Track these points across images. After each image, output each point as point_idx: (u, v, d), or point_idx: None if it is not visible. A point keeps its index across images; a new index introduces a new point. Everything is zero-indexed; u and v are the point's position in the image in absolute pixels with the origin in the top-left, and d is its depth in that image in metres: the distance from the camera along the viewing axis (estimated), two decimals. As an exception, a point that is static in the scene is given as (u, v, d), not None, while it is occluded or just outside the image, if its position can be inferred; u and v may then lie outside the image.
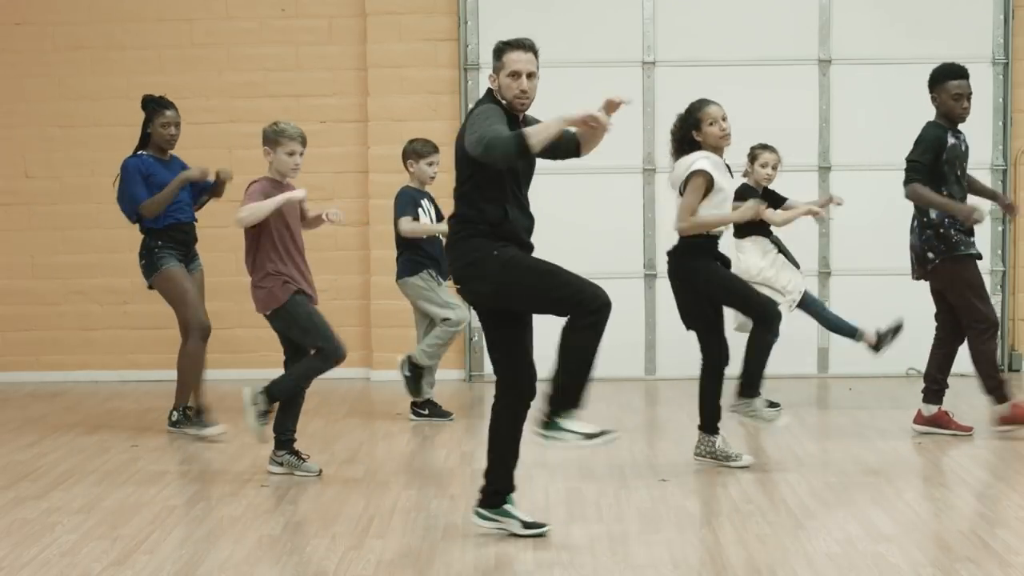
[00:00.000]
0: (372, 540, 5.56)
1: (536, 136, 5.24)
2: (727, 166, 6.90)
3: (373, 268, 10.09)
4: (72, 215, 10.24)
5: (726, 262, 6.99)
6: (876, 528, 5.65)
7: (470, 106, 9.94)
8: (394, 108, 10.03)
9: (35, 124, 10.21)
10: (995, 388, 7.48)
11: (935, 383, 7.64)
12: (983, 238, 9.94)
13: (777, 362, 8.39)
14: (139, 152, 8.00)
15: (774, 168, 8.25)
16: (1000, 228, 10.01)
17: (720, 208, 6.82)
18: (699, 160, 6.76)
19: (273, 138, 6.82)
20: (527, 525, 5.57)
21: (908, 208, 7.64)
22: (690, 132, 6.82)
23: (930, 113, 7.57)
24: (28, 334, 10.33)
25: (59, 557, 5.35)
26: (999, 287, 10.04)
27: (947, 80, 7.47)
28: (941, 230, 7.43)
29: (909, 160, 7.46)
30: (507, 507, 5.60)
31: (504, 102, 5.47)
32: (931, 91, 7.55)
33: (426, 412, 8.32)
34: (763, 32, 9.99)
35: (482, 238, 5.44)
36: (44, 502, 6.28)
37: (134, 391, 9.17)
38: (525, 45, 5.46)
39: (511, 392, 5.57)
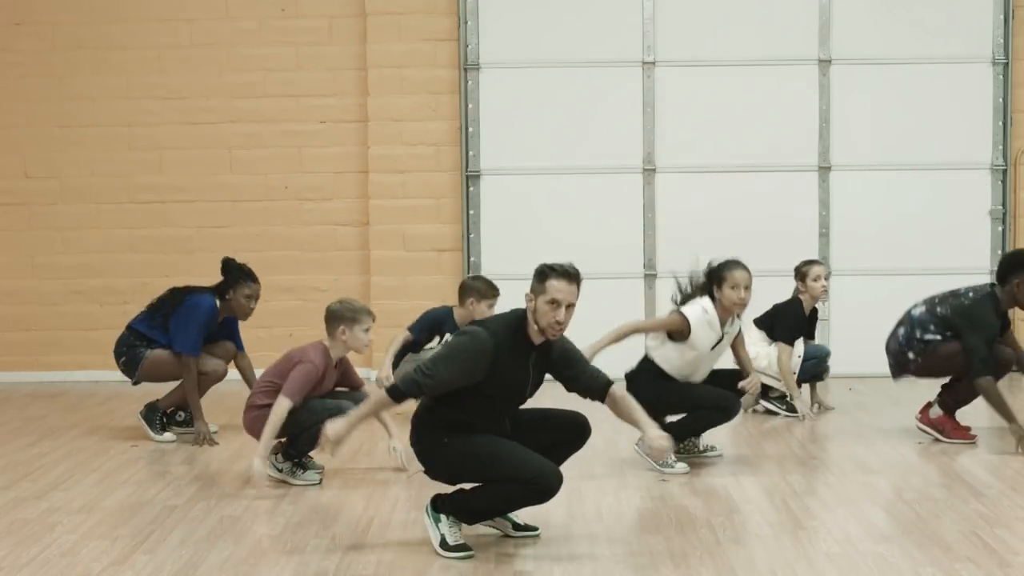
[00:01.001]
0: (372, 540, 5.56)
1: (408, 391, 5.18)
2: (722, 331, 6.82)
3: (373, 268, 10.08)
4: (72, 215, 10.24)
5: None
6: (876, 528, 5.65)
7: (470, 106, 10.03)
8: (394, 108, 10.02)
9: (35, 124, 10.21)
10: (956, 404, 7.41)
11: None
12: (983, 238, 9.97)
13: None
14: (212, 297, 7.76)
15: (827, 279, 8.45)
16: (1000, 228, 10.00)
17: (693, 365, 6.84)
18: (695, 308, 6.80)
19: (351, 316, 6.59)
20: (518, 527, 5.59)
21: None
22: (712, 287, 6.84)
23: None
24: (28, 334, 10.33)
25: (59, 557, 5.34)
26: (999, 287, 10.02)
27: None
28: (927, 336, 7.33)
29: (976, 348, 7.10)
30: None
31: (536, 327, 5.25)
32: (1013, 277, 7.16)
33: None
34: (763, 32, 9.98)
35: (436, 430, 5.33)
36: (44, 502, 6.28)
37: (134, 391, 9.14)
38: (570, 275, 5.21)
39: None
